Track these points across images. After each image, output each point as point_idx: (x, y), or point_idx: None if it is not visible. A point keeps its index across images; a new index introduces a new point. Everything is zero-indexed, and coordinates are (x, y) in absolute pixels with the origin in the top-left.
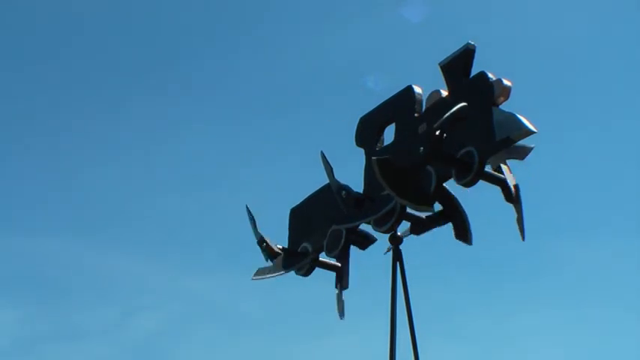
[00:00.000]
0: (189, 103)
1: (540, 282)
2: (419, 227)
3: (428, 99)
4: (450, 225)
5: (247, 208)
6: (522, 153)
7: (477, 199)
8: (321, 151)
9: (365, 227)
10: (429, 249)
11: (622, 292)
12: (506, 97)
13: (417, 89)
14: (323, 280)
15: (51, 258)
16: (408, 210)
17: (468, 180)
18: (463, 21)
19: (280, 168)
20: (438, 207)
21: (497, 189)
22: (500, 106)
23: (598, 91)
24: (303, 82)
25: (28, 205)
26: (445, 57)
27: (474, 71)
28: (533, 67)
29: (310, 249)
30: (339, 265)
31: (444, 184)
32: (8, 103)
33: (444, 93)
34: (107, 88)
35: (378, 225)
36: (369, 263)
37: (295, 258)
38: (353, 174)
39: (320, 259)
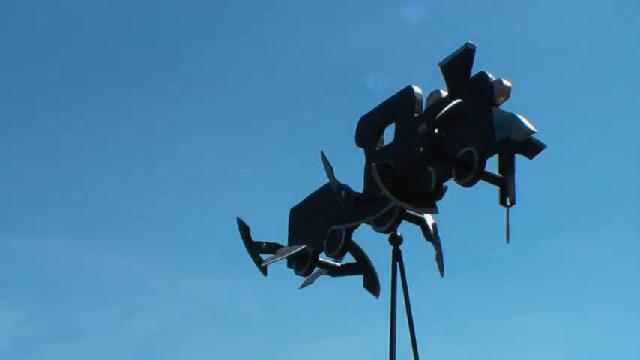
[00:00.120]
0: (189, 103)
1: (540, 282)
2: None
3: (428, 99)
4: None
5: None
6: (535, 150)
7: (477, 199)
8: (321, 151)
9: (364, 227)
10: (429, 249)
11: (622, 292)
12: (506, 97)
13: (417, 89)
14: (323, 280)
15: (51, 258)
16: (408, 211)
17: (467, 180)
18: (463, 21)
19: (280, 168)
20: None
21: (497, 189)
22: (500, 106)
23: (598, 91)
24: (303, 82)
25: (28, 205)
26: (445, 57)
27: (473, 71)
28: (533, 67)
29: (310, 249)
30: (339, 265)
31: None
32: (8, 103)
33: (444, 93)
34: (107, 88)
35: (377, 225)
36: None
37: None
38: (353, 174)
39: (320, 259)
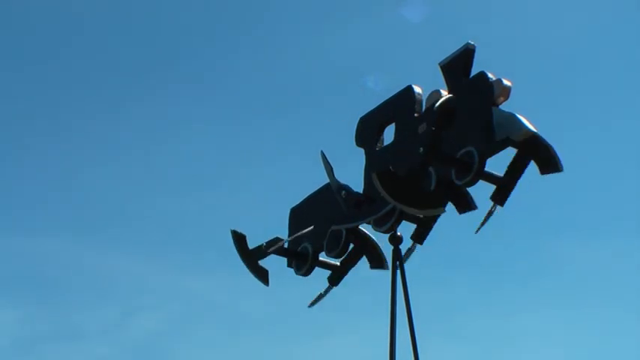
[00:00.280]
0: (189, 103)
1: (540, 282)
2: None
3: (428, 99)
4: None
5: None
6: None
7: (477, 200)
8: (321, 151)
9: (364, 227)
10: (429, 249)
11: (622, 292)
12: (506, 97)
13: (417, 89)
14: (323, 280)
15: (51, 258)
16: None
17: (467, 180)
18: (463, 21)
19: (280, 168)
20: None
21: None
22: (500, 106)
23: (598, 91)
24: (303, 82)
25: (28, 205)
26: (445, 57)
27: (473, 71)
28: (533, 67)
29: (310, 249)
30: (339, 265)
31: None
32: (8, 103)
33: (444, 93)
34: (107, 88)
35: (377, 225)
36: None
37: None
38: (353, 174)
39: (320, 258)
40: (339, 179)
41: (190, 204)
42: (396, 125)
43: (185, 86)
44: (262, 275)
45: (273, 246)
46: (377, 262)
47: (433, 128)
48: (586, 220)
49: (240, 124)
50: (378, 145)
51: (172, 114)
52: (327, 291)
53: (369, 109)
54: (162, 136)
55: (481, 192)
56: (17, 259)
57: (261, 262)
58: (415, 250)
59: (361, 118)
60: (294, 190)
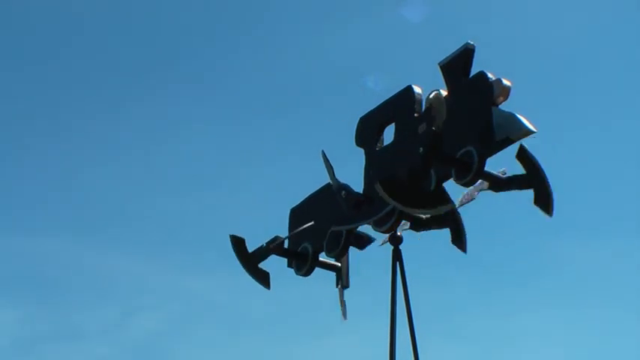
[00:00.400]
0: (189, 103)
1: (540, 282)
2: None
3: (428, 99)
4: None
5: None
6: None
7: (477, 199)
8: (322, 150)
9: (364, 227)
10: (429, 249)
11: (622, 292)
12: (506, 97)
13: (417, 89)
14: (323, 280)
15: (51, 258)
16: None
17: (467, 180)
18: (463, 21)
19: (280, 168)
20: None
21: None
22: (500, 106)
23: (598, 91)
24: (303, 82)
25: (28, 205)
26: (445, 57)
27: (473, 71)
28: (533, 67)
29: (310, 249)
30: (339, 265)
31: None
32: (8, 103)
33: (444, 93)
34: (107, 88)
35: (377, 225)
36: (369, 263)
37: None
38: (353, 174)
39: (320, 259)
40: (339, 179)
41: (190, 204)
42: (396, 125)
43: (185, 86)
44: (263, 278)
45: (273, 243)
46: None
47: (433, 128)
48: (586, 220)
49: (240, 124)
50: (378, 145)
51: (172, 114)
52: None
53: (369, 109)
54: (162, 136)
55: (481, 192)
56: (17, 259)
57: (261, 265)
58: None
59: (361, 118)
60: (294, 190)
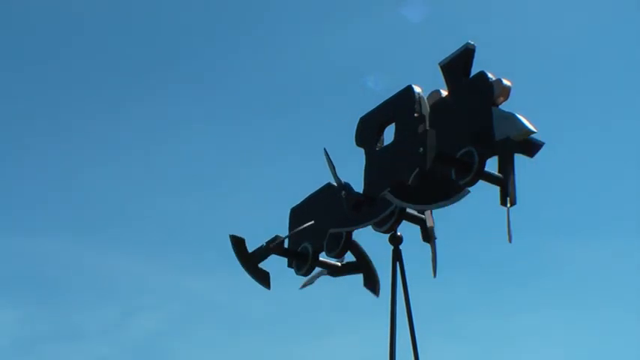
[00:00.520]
0: (189, 103)
1: (540, 282)
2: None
3: (428, 99)
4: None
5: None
6: (535, 148)
7: (477, 199)
8: (324, 149)
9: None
10: (429, 249)
11: (622, 292)
12: (506, 97)
13: (417, 89)
14: (323, 280)
15: (51, 258)
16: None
17: (467, 180)
18: (463, 21)
19: (280, 168)
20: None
21: (497, 189)
22: (500, 106)
23: (598, 91)
24: (303, 82)
25: (28, 205)
26: (445, 57)
27: (473, 71)
28: (533, 67)
29: (310, 249)
30: (339, 264)
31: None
32: (8, 103)
33: (444, 93)
34: (107, 88)
35: (377, 225)
36: None
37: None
38: (353, 174)
39: (320, 258)
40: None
41: (190, 204)
42: (396, 125)
43: (185, 86)
44: (263, 278)
45: (273, 243)
46: (371, 284)
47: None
48: (586, 220)
49: (240, 124)
50: (378, 145)
51: (172, 114)
52: (320, 273)
53: (369, 109)
54: (162, 136)
55: (481, 192)
56: (17, 259)
57: (261, 265)
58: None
59: (361, 118)
60: (294, 190)
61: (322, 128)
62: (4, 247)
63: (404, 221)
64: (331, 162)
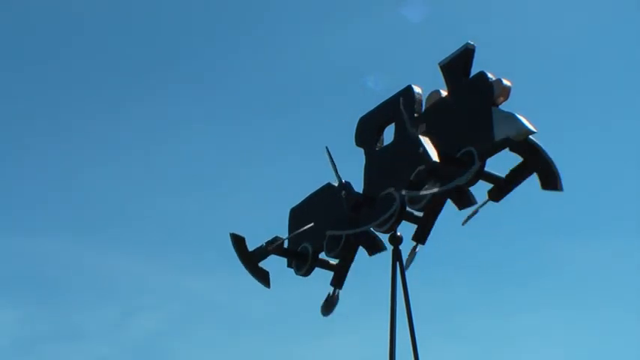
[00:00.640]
0: (189, 103)
1: (540, 282)
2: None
3: (428, 99)
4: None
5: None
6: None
7: (477, 200)
8: (326, 147)
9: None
10: (429, 249)
11: (622, 292)
12: (506, 97)
13: (417, 89)
14: (323, 280)
15: (51, 258)
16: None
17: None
18: (463, 21)
19: (280, 168)
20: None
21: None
22: (500, 106)
23: (598, 91)
24: (303, 82)
25: (28, 205)
26: (445, 57)
27: (473, 71)
28: (533, 67)
29: (310, 249)
30: (339, 265)
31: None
32: (8, 103)
33: (444, 93)
34: (107, 88)
35: (378, 225)
36: (369, 263)
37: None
38: (353, 174)
39: (320, 258)
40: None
41: (190, 204)
42: (395, 125)
43: (185, 86)
44: (263, 277)
45: (273, 244)
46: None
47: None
48: (586, 220)
49: (240, 124)
50: (378, 145)
51: (172, 114)
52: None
53: (369, 109)
54: (162, 136)
55: (481, 192)
56: (17, 259)
57: (261, 264)
58: (417, 252)
59: (361, 118)
60: (294, 190)
61: (322, 128)
62: (4, 247)
63: (404, 221)
64: (333, 160)
